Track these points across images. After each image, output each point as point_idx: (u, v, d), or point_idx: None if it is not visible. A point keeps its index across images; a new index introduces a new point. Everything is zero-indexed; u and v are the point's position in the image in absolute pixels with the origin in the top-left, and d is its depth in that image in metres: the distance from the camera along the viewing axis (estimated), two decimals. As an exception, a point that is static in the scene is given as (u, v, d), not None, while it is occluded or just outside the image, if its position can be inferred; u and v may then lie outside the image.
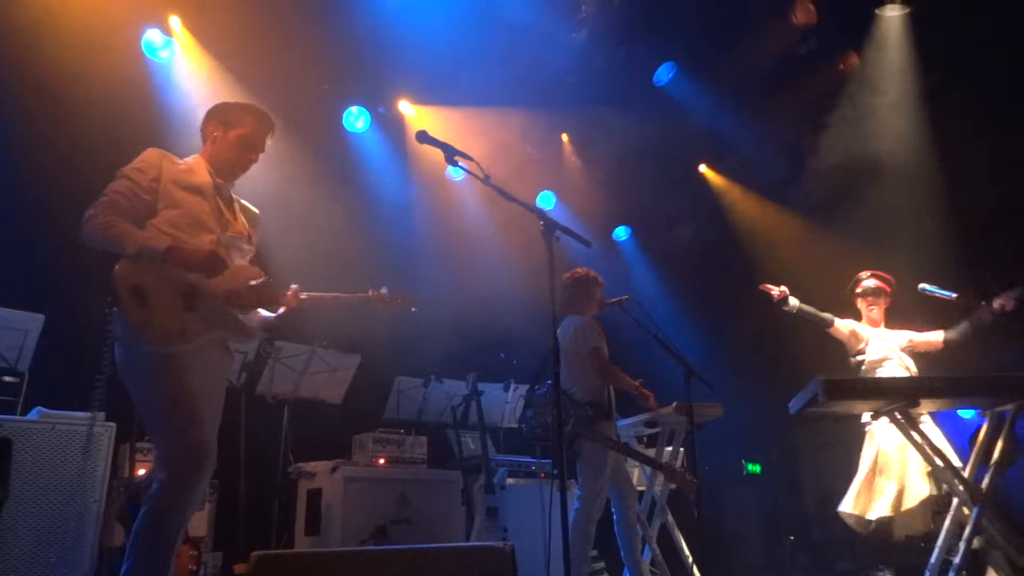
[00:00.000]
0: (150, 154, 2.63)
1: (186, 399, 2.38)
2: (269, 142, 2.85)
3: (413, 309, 2.95)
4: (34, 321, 4.10)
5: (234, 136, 2.75)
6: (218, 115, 2.80)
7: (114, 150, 4.72)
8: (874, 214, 6.24)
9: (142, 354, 2.39)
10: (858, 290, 4.47)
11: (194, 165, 2.72)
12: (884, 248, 5.53)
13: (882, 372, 4.22)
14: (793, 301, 4.37)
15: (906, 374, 4.16)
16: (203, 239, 2.57)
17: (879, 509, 3.90)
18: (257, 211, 2.96)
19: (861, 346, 4.33)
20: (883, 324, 4.42)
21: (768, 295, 4.37)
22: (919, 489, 3.83)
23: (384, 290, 2.91)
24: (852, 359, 4.37)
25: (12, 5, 4.52)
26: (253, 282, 2.69)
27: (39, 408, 3.86)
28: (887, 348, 4.27)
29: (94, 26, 4.72)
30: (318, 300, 2.82)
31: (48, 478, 3.73)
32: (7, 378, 4.11)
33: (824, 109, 6.76)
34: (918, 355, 4.34)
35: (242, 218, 2.82)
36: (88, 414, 3.91)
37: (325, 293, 2.85)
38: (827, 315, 4.41)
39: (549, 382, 3.89)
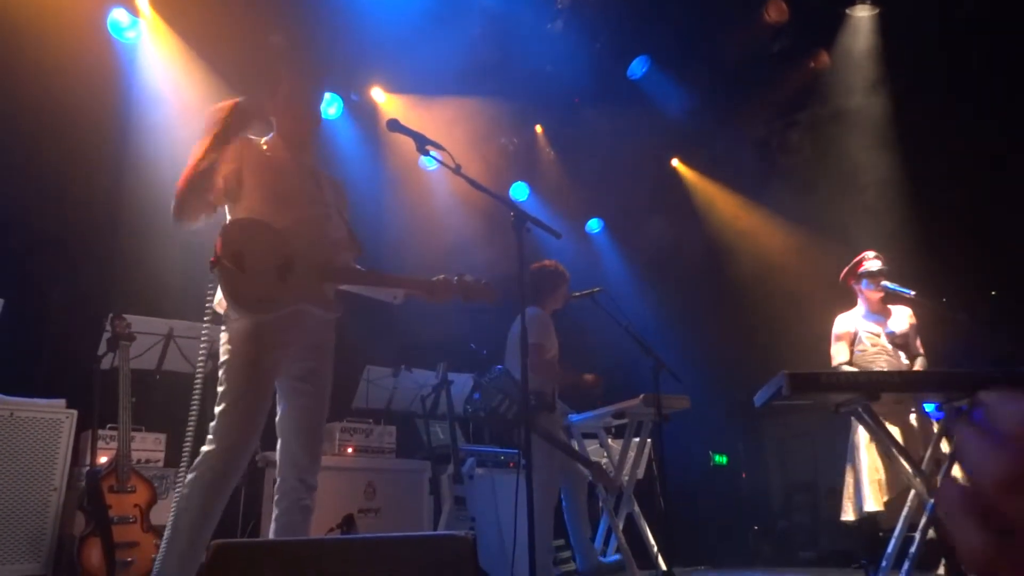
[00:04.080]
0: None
1: (249, 384, 2.39)
2: (317, 87, 2.80)
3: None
4: (-7, 305, 4.01)
5: (281, 101, 2.72)
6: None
7: (76, 132, 4.67)
8: (842, 210, 6.36)
9: (231, 317, 2.46)
10: (861, 270, 4.39)
11: (277, 140, 2.72)
12: (852, 244, 5.63)
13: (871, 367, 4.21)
14: None
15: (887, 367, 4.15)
16: (296, 214, 2.57)
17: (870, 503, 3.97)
18: (340, 181, 2.91)
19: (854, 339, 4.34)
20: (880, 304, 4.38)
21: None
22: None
23: (469, 277, 2.80)
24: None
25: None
26: (344, 261, 2.68)
27: (-3, 394, 3.78)
28: (879, 339, 4.27)
29: (57, 2, 4.60)
30: (398, 281, 2.77)
31: (7, 466, 3.65)
32: (-36, 364, 4.01)
33: (795, 106, 6.86)
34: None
35: (328, 191, 2.76)
36: (48, 401, 3.83)
37: (404, 276, 2.80)
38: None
39: (499, 367, 3.97)
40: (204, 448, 2.36)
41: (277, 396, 2.58)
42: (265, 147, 2.68)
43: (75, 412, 3.90)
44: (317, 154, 2.87)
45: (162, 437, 4.27)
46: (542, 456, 3.93)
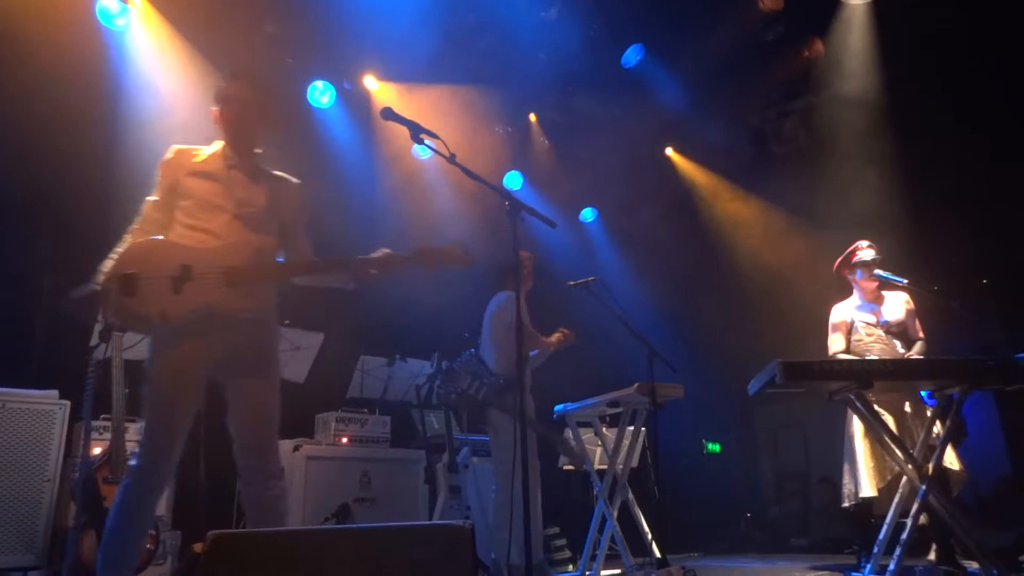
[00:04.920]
0: (166, 159, 2.71)
1: (154, 392, 2.49)
2: (244, 90, 2.78)
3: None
4: (-17, 295, 3.99)
5: (215, 110, 2.78)
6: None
7: (65, 121, 4.62)
8: (836, 199, 6.36)
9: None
10: (855, 260, 4.38)
11: (213, 150, 2.76)
12: (846, 233, 5.63)
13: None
14: None
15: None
16: (217, 219, 2.61)
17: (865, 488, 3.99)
18: (294, 181, 2.89)
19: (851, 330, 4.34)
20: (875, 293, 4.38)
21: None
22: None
23: (431, 243, 2.77)
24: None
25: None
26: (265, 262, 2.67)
27: (-11, 385, 3.76)
28: (874, 328, 4.27)
29: (46, -11, 4.54)
30: (330, 265, 2.76)
31: (0, 457, 3.64)
32: (-45, 355, 3.99)
33: (789, 95, 6.85)
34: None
35: (265, 192, 2.74)
36: (41, 392, 3.81)
37: (352, 257, 2.73)
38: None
39: (470, 351, 4.17)
40: (131, 463, 2.51)
41: (228, 395, 2.62)
42: (200, 155, 2.72)
43: (68, 403, 3.89)
44: (265, 155, 2.84)
45: (156, 427, 4.26)
46: (504, 440, 4.04)
